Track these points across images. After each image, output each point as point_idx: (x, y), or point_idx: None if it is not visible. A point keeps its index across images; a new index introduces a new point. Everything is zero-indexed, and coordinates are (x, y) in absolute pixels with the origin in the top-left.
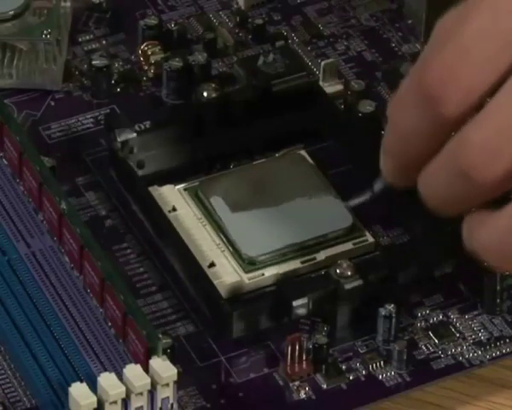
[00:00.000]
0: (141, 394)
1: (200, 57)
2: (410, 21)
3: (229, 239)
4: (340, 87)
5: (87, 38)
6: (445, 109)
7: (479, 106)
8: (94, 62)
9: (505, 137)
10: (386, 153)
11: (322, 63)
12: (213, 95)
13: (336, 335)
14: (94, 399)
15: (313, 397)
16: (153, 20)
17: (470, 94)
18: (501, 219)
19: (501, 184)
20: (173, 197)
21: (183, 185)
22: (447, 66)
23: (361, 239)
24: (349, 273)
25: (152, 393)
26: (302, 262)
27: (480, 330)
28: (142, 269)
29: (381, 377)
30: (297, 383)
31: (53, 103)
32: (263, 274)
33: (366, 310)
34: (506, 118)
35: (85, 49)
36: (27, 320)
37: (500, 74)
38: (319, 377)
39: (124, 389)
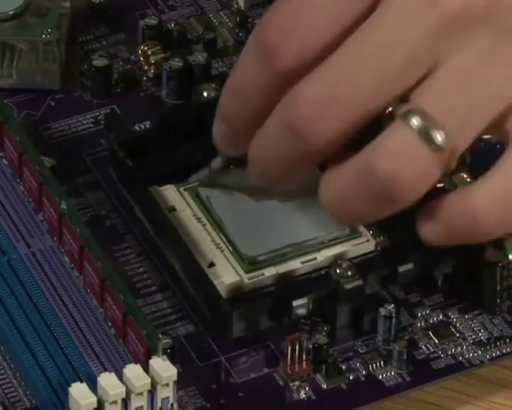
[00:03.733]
0: (141, 394)
1: (200, 57)
2: None
3: (229, 239)
4: None
5: (87, 37)
6: (278, 64)
7: (314, 66)
8: (94, 62)
9: (335, 93)
10: (221, 116)
11: None
12: (213, 95)
13: (336, 335)
14: (94, 399)
15: (313, 397)
16: (153, 20)
17: (305, 49)
18: (342, 171)
19: (330, 143)
20: (173, 197)
21: (183, 185)
22: (283, 22)
23: (361, 239)
24: (349, 273)
25: (152, 393)
26: (302, 262)
27: (480, 330)
28: (142, 269)
29: (381, 377)
30: (297, 383)
31: (53, 103)
32: (263, 274)
33: (366, 310)
34: (338, 75)
35: (85, 49)
36: (27, 320)
37: (336, 33)
38: (319, 377)
39: (124, 389)
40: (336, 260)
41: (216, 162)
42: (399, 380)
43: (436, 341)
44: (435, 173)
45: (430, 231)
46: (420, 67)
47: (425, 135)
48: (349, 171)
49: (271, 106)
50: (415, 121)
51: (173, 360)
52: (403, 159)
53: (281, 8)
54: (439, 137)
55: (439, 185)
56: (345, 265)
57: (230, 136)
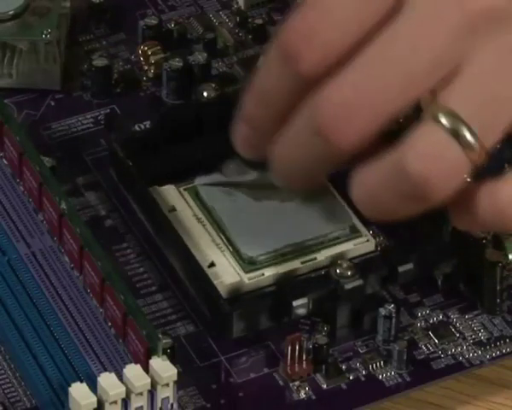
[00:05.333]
0: (141, 394)
1: (200, 57)
2: None
3: (229, 239)
4: None
5: (87, 37)
6: (302, 67)
7: (338, 68)
8: (94, 62)
9: (362, 96)
10: (245, 119)
11: None
12: (213, 95)
13: (336, 335)
14: (94, 399)
15: (313, 397)
16: (153, 20)
17: (328, 53)
18: (373, 170)
19: (357, 144)
20: (173, 197)
21: (183, 185)
22: (307, 25)
23: (361, 239)
24: (349, 273)
25: (152, 393)
26: (302, 262)
27: (480, 330)
28: (142, 269)
29: (381, 377)
30: (297, 383)
31: (53, 103)
32: (263, 274)
33: (366, 310)
34: (364, 78)
35: (85, 49)
36: (27, 320)
37: (359, 36)
38: (319, 377)
39: (124, 389)
40: (336, 260)
41: (228, 167)
42: (399, 380)
43: (436, 341)
44: (466, 171)
45: (461, 221)
46: (446, 66)
47: (455, 135)
48: (380, 170)
49: (295, 107)
50: (444, 121)
51: (173, 360)
52: (434, 159)
53: (303, 13)
54: (469, 135)
55: None
56: (345, 265)
57: (253, 138)
